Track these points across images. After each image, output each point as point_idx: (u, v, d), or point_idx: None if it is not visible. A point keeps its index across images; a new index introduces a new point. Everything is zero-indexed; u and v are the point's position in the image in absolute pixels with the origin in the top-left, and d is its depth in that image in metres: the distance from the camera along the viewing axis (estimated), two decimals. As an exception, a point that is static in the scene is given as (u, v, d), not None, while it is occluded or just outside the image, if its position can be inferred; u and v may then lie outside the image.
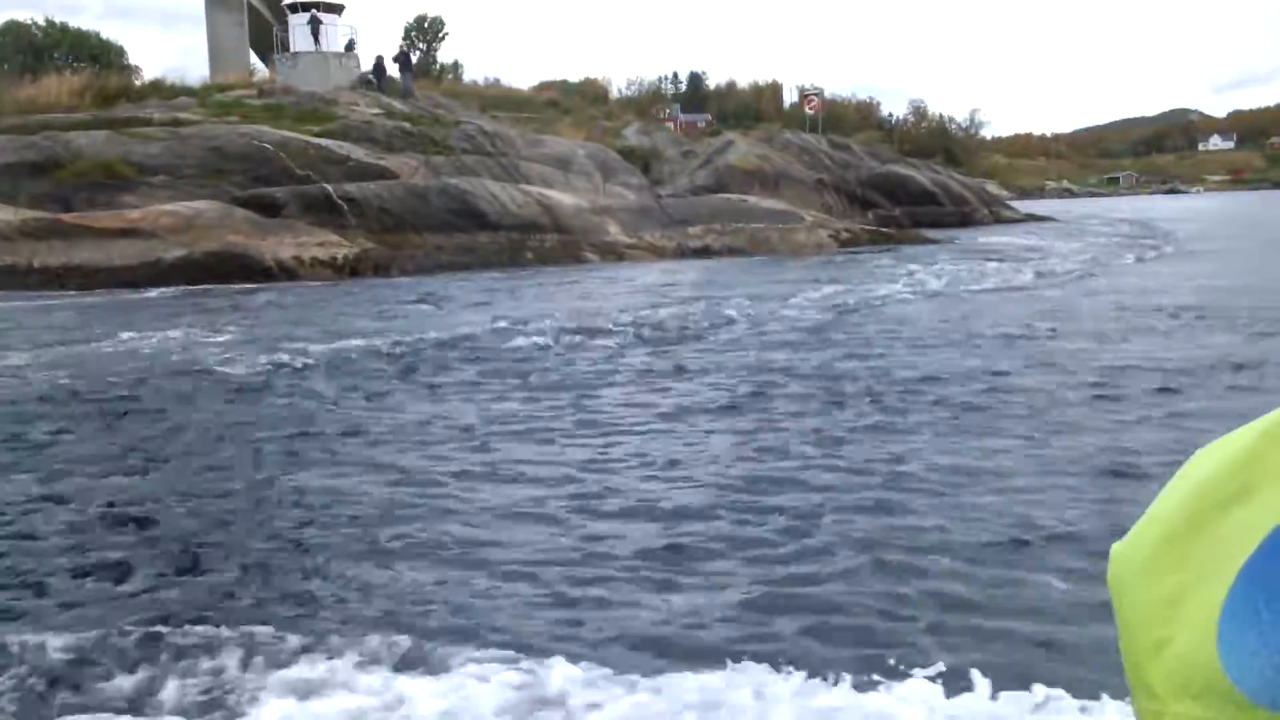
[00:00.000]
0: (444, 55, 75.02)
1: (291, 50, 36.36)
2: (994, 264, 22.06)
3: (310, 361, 11.09)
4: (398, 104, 35.36)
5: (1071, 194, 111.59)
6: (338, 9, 37.24)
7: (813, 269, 22.89)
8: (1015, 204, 65.32)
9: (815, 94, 48.61)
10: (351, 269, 23.96)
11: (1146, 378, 9.00)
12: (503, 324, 13.70)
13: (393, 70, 37.58)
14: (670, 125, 66.18)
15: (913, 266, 21.21)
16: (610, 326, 13.41)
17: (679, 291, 18.12)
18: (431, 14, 68.04)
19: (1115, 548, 0.78)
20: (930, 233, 34.53)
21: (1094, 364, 9.78)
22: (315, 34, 35.61)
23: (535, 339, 12.34)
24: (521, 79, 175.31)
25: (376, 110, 33.94)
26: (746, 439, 7.45)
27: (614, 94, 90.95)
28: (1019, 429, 7.41)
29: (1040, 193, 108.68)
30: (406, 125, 32.77)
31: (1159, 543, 0.73)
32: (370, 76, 36.95)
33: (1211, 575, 0.67)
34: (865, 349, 11.19)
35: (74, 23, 58.57)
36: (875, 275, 20.54)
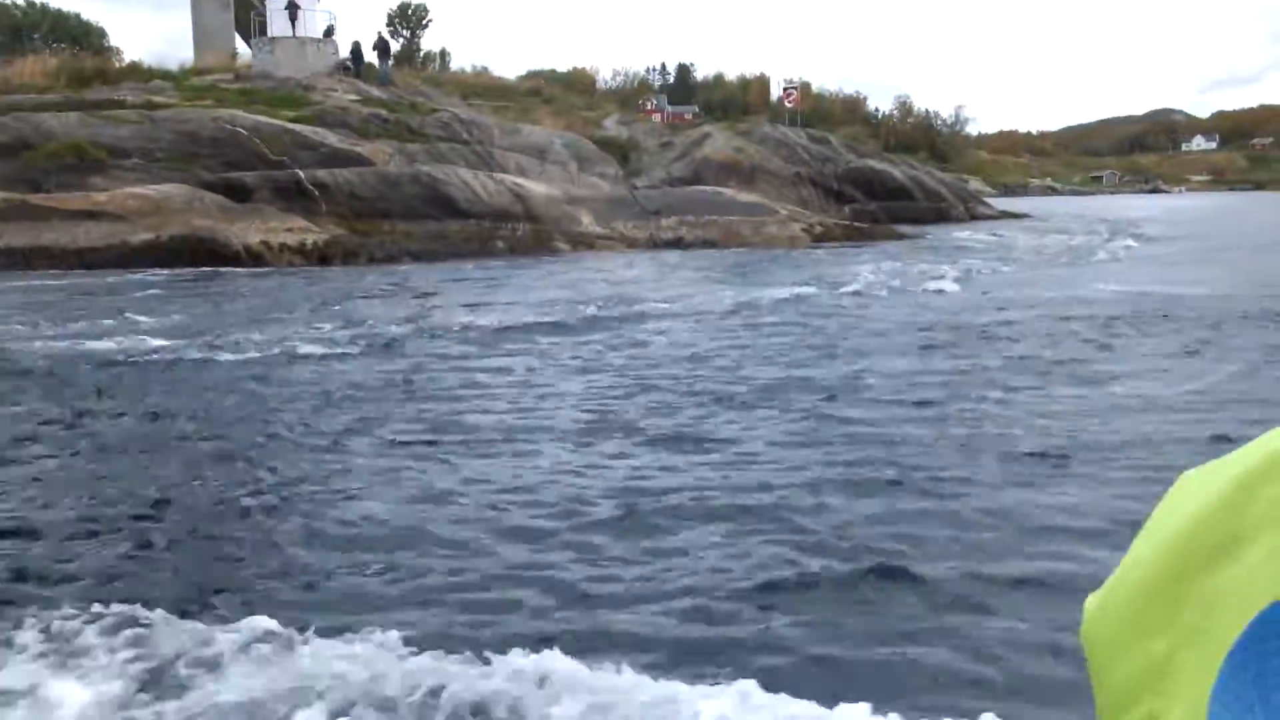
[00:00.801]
0: (429, 43, 75.00)
1: (269, 35, 36.19)
2: (921, 266, 21.50)
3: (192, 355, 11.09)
4: (375, 91, 35.29)
5: (1055, 191, 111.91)
6: (315, -5, 37.08)
7: (760, 264, 22.84)
8: (997, 200, 65.63)
9: (794, 88, 48.66)
10: (320, 255, 23.94)
11: (895, 390, 8.90)
12: (419, 323, 13.47)
13: (371, 57, 37.53)
14: (656, 116, 66.22)
15: (857, 267, 20.91)
16: (517, 322, 13.29)
17: (621, 288, 17.83)
18: (415, 1, 67.82)
19: (1091, 601, 0.70)
20: (904, 228, 34.65)
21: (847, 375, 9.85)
22: (293, 19, 35.46)
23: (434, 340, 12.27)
24: (510, 68, 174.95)
25: (353, 96, 33.86)
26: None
27: (601, 84, 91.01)
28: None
29: (1024, 190, 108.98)
30: (383, 112, 32.71)
31: (1141, 597, 0.66)
32: (348, 63, 36.83)
33: (1202, 641, 0.62)
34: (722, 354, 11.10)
35: (61, 4, 58.10)
36: (805, 272, 20.33)
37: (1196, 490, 0.66)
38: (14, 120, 27.03)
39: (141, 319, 13.62)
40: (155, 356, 10.91)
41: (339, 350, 11.27)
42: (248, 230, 23.78)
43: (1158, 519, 0.69)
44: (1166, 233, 33.77)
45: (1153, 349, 10.69)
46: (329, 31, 37.43)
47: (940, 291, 16.62)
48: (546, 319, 13.59)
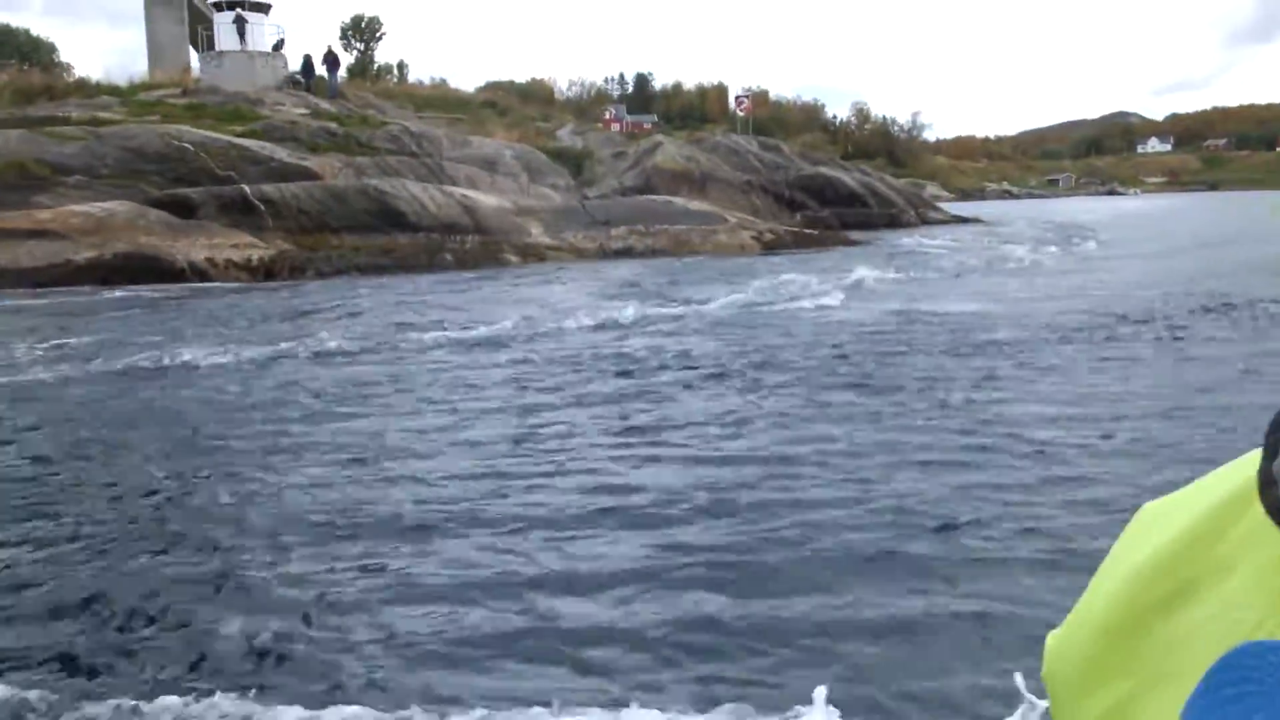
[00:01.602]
0: (384, 55, 74.80)
1: (217, 49, 36.09)
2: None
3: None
4: (325, 104, 35.28)
5: (1012, 195, 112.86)
6: (264, 8, 37.05)
7: (697, 273, 22.83)
8: (954, 205, 66.08)
9: (746, 96, 49.00)
10: (266, 270, 23.90)
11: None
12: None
13: (322, 70, 37.50)
14: (616, 126, 66.36)
15: (786, 276, 20.66)
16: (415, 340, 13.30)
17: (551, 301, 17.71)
18: (369, 14, 67.78)
19: (1050, 639, 0.68)
20: (855, 234, 34.94)
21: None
22: (241, 33, 35.42)
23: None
24: (468, 80, 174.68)
25: (303, 110, 33.85)
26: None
27: (559, 95, 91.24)
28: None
29: (981, 194, 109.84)
30: (332, 126, 32.72)
31: (1101, 637, 0.64)
32: (298, 76, 36.78)
33: (1163, 685, 0.59)
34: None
35: (16, 20, 57.85)
36: (731, 282, 20.24)
37: (1157, 525, 0.65)
38: (-45, 138, 26.82)
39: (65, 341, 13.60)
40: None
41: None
42: (192, 247, 23.70)
43: (1117, 555, 0.67)
44: (1112, 236, 34.20)
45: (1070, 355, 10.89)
46: (278, 45, 37.41)
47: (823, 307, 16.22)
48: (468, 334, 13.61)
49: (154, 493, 6.67)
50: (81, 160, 26.94)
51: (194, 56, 42.25)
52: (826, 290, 17.65)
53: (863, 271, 20.71)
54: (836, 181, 40.71)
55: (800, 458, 7.01)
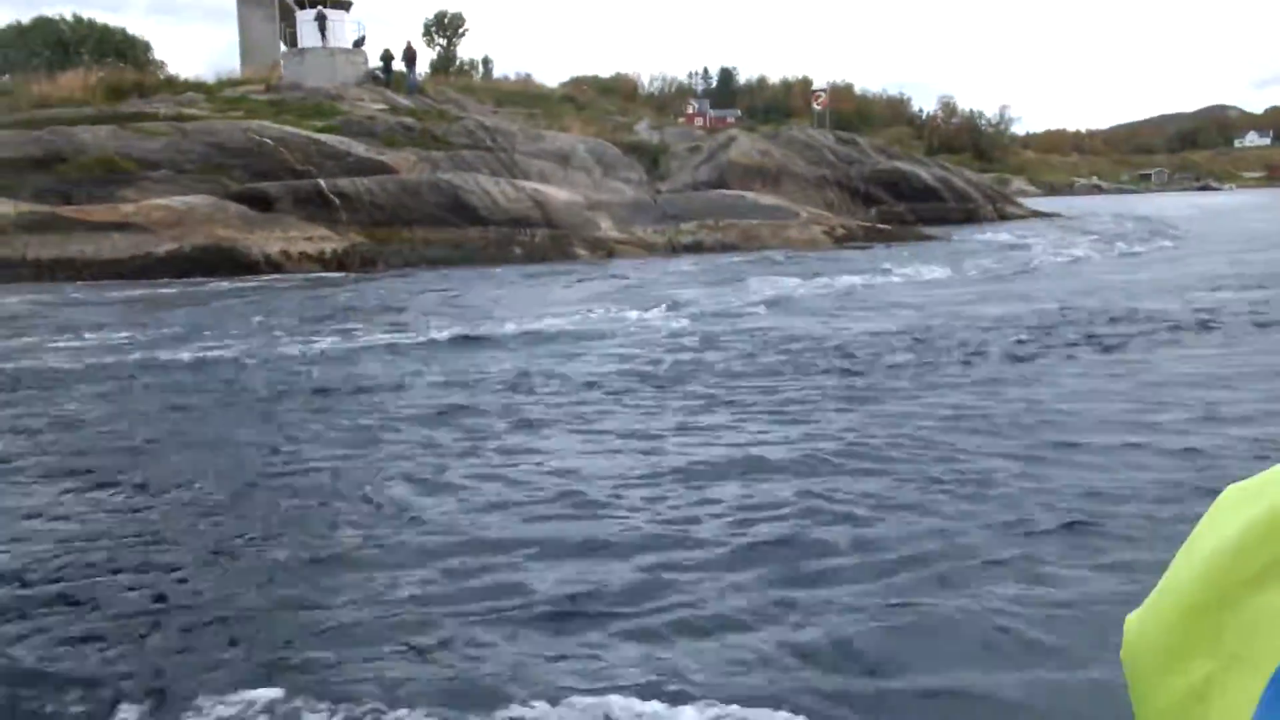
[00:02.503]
0: (468, 51, 75.74)
1: (299, 46, 36.87)
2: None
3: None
4: (403, 100, 35.84)
5: (1100, 190, 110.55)
6: (345, 5, 37.77)
7: (765, 267, 22.88)
8: (1041, 200, 64.99)
9: (823, 90, 48.67)
10: (339, 263, 24.42)
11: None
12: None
13: (401, 66, 38.08)
14: (699, 120, 66.38)
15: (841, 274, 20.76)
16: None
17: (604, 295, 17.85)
18: (453, 10, 68.68)
19: (1130, 620, 0.69)
20: (930, 229, 34.56)
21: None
22: (322, 30, 36.12)
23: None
24: (553, 75, 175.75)
25: (381, 106, 34.43)
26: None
27: (642, 90, 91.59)
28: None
29: (1069, 189, 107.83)
30: (409, 121, 33.26)
31: (1181, 619, 0.64)
32: (378, 72, 37.42)
33: (1242, 667, 0.60)
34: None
35: (118, 20, 59.73)
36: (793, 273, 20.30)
37: (1241, 507, 0.65)
38: (49, 134, 27.76)
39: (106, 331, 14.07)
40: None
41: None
42: (268, 239, 24.30)
43: (1199, 536, 0.67)
44: (1193, 230, 33.40)
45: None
46: (359, 42, 38.06)
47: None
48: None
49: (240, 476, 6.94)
50: (166, 155, 27.77)
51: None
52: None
53: (905, 270, 20.69)
54: (912, 176, 40.29)
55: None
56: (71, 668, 4.09)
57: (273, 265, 23.65)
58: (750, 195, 32.64)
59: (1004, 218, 41.57)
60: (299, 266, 23.87)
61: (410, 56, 37.97)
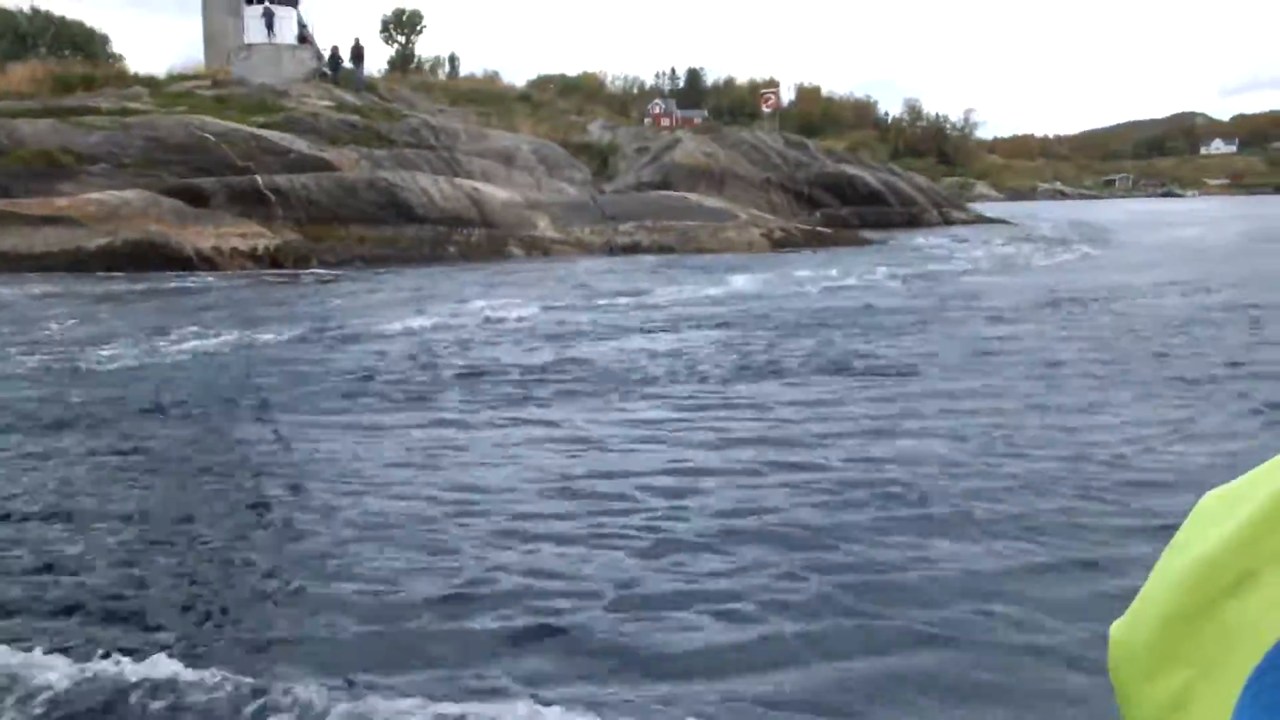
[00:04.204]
0: (429, 49, 75.70)
1: (246, 42, 36.98)
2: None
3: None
4: (349, 97, 36.01)
5: (1063, 195, 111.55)
6: (293, 1, 37.85)
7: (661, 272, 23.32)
8: (1001, 205, 65.47)
9: (772, 91, 49.06)
10: (271, 260, 24.61)
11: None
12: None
13: (349, 63, 38.22)
14: (665, 121, 66.70)
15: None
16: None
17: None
18: (410, 8, 68.65)
19: (1115, 629, 0.70)
20: (871, 234, 35.00)
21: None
22: (269, 26, 36.24)
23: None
24: (522, 74, 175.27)
25: (326, 103, 34.60)
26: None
27: (607, 89, 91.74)
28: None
29: (1032, 193, 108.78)
30: (354, 118, 33.45)
31: (1163, 626, 0.65)
32: (325, 69, 37.57)
33: (1219, 673, 0.61)
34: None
35: (89, 11, 59.34)
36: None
37: (1219, 514, 0.66)
38: (-11, 127, 27.83)
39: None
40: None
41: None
42: (200, 235, 24.45)
43: (1179, 544, 0.68)
44: (1125, 239, 33.97)
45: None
46: (304, 38, 38.15)
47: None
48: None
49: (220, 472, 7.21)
50: (105, 149, 27.85)
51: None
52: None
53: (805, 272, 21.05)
54: (857, 180, 40.71)
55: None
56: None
57: (205, 261, 23.82)
58: (693, 197, 32.98)
59: (949, 222, 42.05)
60: (231, 264, 24.06)
61: (358, 53, 38.12)
